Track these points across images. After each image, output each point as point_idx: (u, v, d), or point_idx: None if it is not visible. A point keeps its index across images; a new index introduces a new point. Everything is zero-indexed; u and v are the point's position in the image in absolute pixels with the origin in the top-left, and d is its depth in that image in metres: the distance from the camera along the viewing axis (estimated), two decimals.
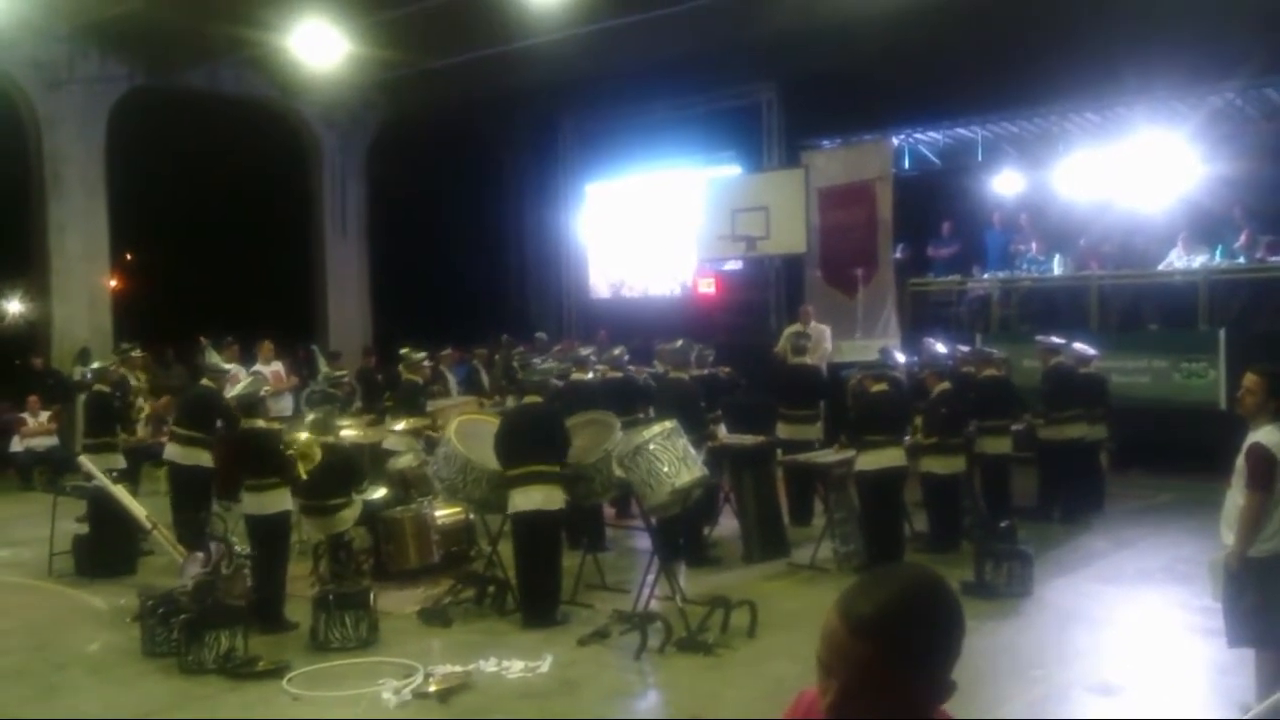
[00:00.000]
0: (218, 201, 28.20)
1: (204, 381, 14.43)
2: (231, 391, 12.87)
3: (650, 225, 26.24)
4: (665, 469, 10.21)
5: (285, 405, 18.80)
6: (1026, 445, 15.03)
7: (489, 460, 10.91)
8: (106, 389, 14.75)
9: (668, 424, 10.60)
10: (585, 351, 16.35)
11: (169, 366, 22.20)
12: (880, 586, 2.29)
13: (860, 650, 2.21)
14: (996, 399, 14.39)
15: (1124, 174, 19.40)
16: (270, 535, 10.43)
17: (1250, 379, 7.31)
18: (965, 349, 15.92)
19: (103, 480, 12.46)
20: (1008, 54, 18.78)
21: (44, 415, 19.42)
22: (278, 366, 19.77)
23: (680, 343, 14.96)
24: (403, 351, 16.14)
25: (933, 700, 2.28)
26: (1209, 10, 17.29)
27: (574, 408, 12.03)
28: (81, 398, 19.66)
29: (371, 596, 10.05)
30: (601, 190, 27.28)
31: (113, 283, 24.84)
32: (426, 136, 26.68)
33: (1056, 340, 15.59)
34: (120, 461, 14.17)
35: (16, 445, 19.23)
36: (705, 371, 14.71)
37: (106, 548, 12.60)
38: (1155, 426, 17.19)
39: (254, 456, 10.62)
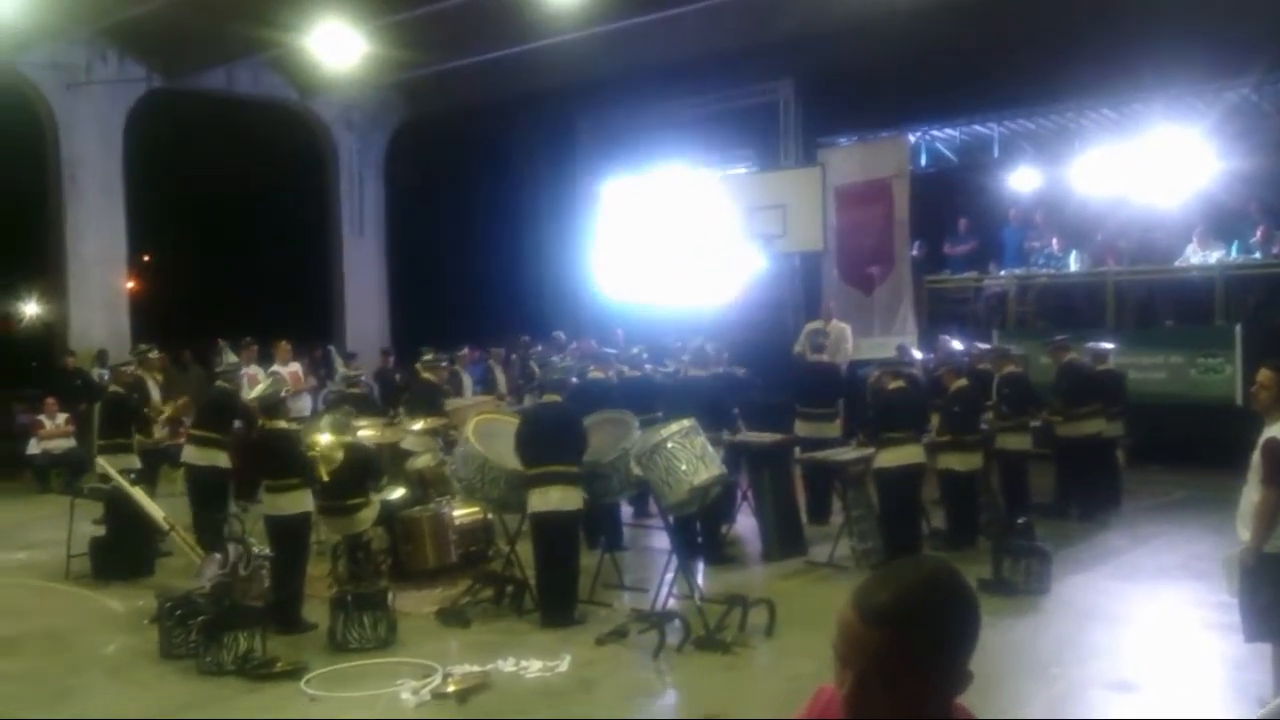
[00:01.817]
0: (235, 203, 28.32)
1: (220, 383, 14.47)
2: (251, 393, 12.90)
3: (667, 223, 26.21)
4: (683, 467, 10.20)
5: (304, 406, 18.76)
6: (1044, 442, 15.01)
7: (507, 459, 10.92)
8: (121, 390, 14.79)
9: (685, 422, 10.58)
10: (611, 351, 16.35)
11: (186, 368, 22.25)
12: (894, 577, 2.29)
13: (875, 640, 2.20)
14: (1017, 395, 14.37)
15: (1140, 170, 19.34)
16: (290, 536, 10.45)
17: (1265, 374, 7.29)
18: (983, 346, 15.90)
19: (120, 482, 12.49)
20: (1024, 50, 18.77)
21: (61, 418, 19.46)
22: (295, 367, 19.69)
23: (699, 341, 14.98)
24: (425, 355, 16.16)
25: (949, 691, 2.28)
26: (1224, 5, 17.28)
27: (591, 406, 12.04)
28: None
29: (389, 597, 10.06)
30: (618, 189, 27.23)
31: (130, 284, 24.91)
32: (444, 137, 26.74)
33: (1061, 336, 15.62)
34: (135, 462, 14.19)
35: (34, 448, 19.27)
36: (722, 369, 14.71)
37: (124, 550, 12.62)
38: (1172, 423, 17.15)
39: (275, 457, 10.65)
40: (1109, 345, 15.69)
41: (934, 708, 2.28)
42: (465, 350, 20.34)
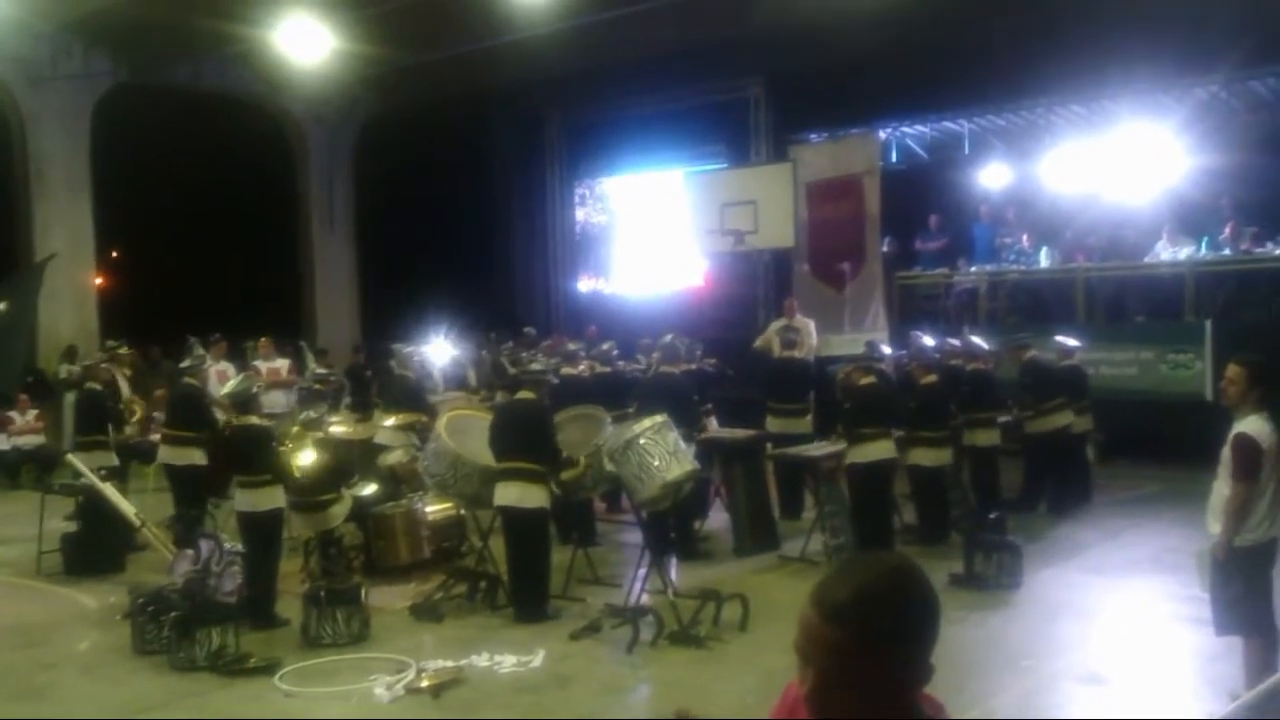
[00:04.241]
0: (204, 198, 28.14)
1: (186, 379, 14.40)
2: (223, 390, 12.86)
3: (637, 220, 26.25)
4: (656, 463, 10.21)
5: (279, 401, 18.41)
6: (1014, 438, 15.07)
7: (479, 455, 10.92)
8: (98, 387, 14.70)
9: (658, 418, 10.59)
10: (574, 347, 16.35)
11: (156, 364, 22.15)
12: (853, 574, 2.31)
13: (834, 636, 2.22)
14: (985, 391, 14.45)
15: (1110, 166, 19.46)
16: (263, 532, 10.42)
17: (1233, 369, 7.34)
18: (954, 342, 15.95)
19: (91, 478, 12.45)
20: (994, 47, 18.83)
21: (31, 413, 19.37)
22: (279, 364, 19.41)
23: (670, 337, 14.99)
24: (407, 349, 16.12)
25: (911, 685, 2.30)
26: (1193, 3, 17.36)
27: (564, 402, 12.05)
28: (70, 396, 19.66)
29: (362, 592, 10.05)
30: (589, 185, 27.28)
31: (98, 281, 24.79)
32: (413, 132, 26.66)
33: (1023, 335, 15.77)
34: (112, 459, 14.17)
35: (4, 443, 19.16)
36: (694, 366, 14.73)
37: (95, 546, 12.59)
38: (1142, 418, 17.28)
39: (247, 453, 10.61)
40: (1075, 341, 15.76)
41: (897, 702, 2.29)
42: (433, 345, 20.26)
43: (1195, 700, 8.10)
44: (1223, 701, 7.40)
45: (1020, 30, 18.75)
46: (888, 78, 20.12)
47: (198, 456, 13.50)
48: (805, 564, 12.30)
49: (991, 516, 11.82)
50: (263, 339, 19.56)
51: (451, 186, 28.61)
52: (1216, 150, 18.50)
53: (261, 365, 18.40)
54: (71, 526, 12.90)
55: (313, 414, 11.61)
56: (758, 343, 17.75)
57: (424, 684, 8.55)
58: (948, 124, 22.21)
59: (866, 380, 12.79)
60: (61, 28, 21.76)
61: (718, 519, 13.94)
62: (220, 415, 13.12)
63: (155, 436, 14.84)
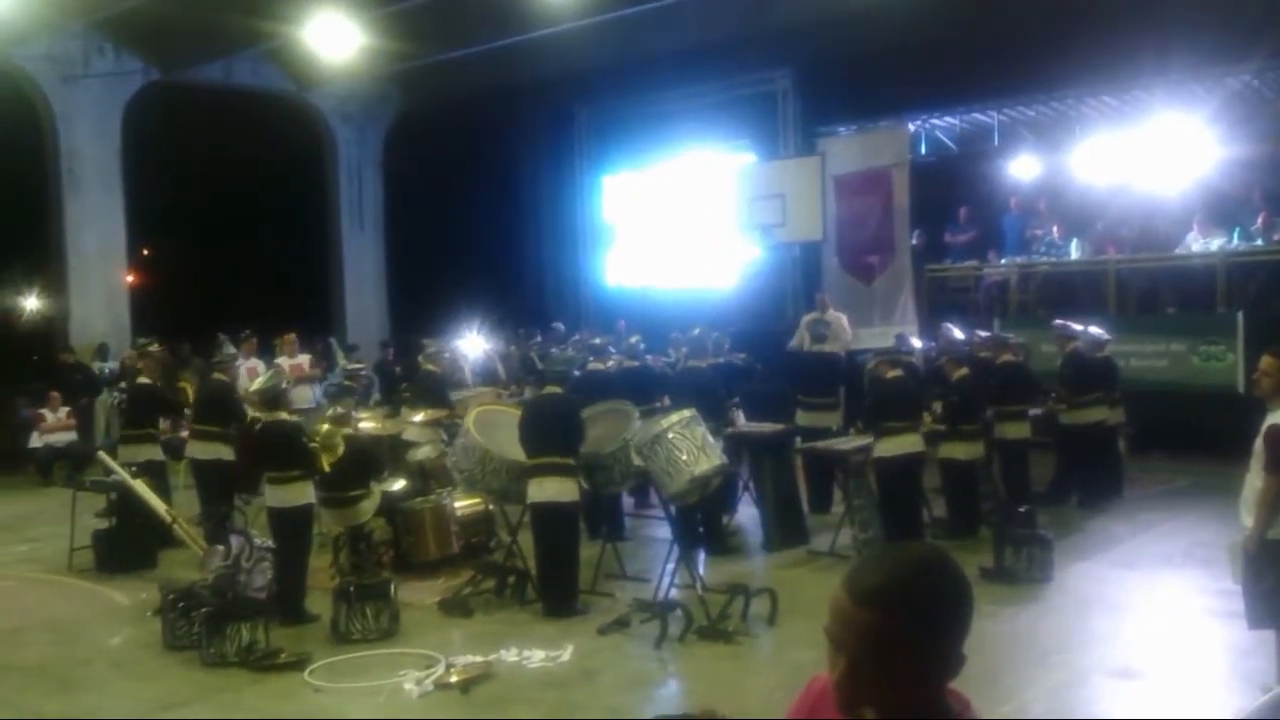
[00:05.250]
0: (234, 195, 28.26)
1: (216, 375, 14.45)
2: (252, 386, 12.90)
3: (666, 214, 26.20)
4: (684, 457, 10.21)
5: (306, 396, 18.47)
6: (1045, 430, 15.00)
7: (507, 450, 10.93)
8: (151, 381, 14.77)
9: (686, 412, 10.59)
10: (601, 340, 16.34)
11: (186, 361, 22.22)
12: (885, 560, 2.32)
13: (866, 620, 2.21)
14: (1015, 384, 14.37)
15: (1141, 157, 19.29)
16: (293, 528, 10.45)
17: (1267, 361, 7.29)
18: (983, 334, 15.88)
19: (122, 475, 12.51)
20: (1024, 38, 18.73)
21: (63, 411, 19.44)
22: (302, 359, 19.50)
23: (697, 331, 14.98)
24: (427, 347, 16.16)
25: (941, 675, 2.28)
26: None
27: (592, 397, 12.04)
28: (104, 394, 19.78)
29: (392, 588, 10.07)
30: (617, 179, 27.24)
31: (130, 278, 24.90)
32: (442, 128, 26.70)
33: (1074, 326, 15.56)
34: (158, 453, 14.26)
35: (36, 441, 19.25)
36: (721, 359, 14.70)
37: (126, 542, 12.64)
38: (1174, 410, 17.14)
39: (277, 449, 10.64)
40: (1106, 334, 15.67)
41: (926, 691, 2.28)
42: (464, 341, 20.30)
43: (1228, 694, 8.05)
44: (1255, 696, 7.35)
45: (1050, 20, 18.65)
46: (916, 69, 20.03)
47: (224, 452, 13.55)
48: (834, 559, 12.28)
49: (1022, 510, 11.76)
50: (286, 335, 19.59)
51: (479, 182, 28.65)
52: (1248, 140, 18.37)
53: (285, 362, 18.42)
54: (103, 523, 12.94)
55: (340, 409, 11.62)
56: (794, 343, 17.68)
57: (453, 679, 8.57)
58: (977, 115, 22.09)
59: (893, 373, 12.75)
60: (93, 27, 21.87)
61: (746, 513, 13.94)
62: (251, 411, 13.16)
63: (185, 433, 14.88)
